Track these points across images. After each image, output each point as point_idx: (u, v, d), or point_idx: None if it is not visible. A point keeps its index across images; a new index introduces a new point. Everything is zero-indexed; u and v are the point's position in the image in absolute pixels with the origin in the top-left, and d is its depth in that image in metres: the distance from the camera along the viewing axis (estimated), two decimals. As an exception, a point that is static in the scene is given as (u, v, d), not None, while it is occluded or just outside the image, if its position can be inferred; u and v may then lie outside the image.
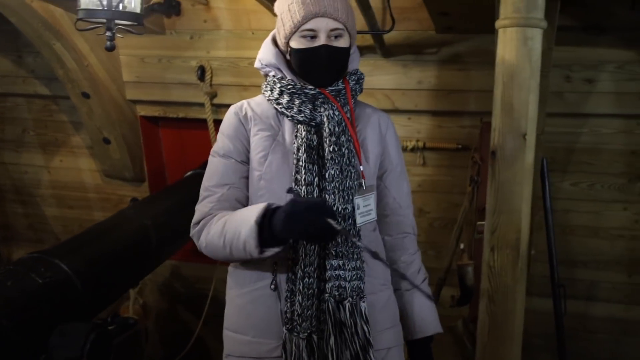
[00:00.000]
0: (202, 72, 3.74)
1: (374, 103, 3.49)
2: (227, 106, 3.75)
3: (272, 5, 2.84)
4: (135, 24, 2.72)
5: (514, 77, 2.24)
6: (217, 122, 3.81)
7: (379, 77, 3.52)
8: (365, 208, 1.86)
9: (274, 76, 1.90)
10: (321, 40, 1.80)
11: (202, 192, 1.91)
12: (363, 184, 1.87)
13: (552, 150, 3.51)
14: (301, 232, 1.65)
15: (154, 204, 3.64)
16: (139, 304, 4.07)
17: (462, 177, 3.51)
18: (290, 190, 1.77)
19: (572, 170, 3.61)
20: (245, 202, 1.89)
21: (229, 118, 1.94)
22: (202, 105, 3.81)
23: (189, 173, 4.00)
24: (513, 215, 2.29)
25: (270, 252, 1.70)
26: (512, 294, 2.34)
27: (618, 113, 3.38)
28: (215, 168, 1.90)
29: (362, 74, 2.01)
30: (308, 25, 1.79)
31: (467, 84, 3.43)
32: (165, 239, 3.37)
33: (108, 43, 2.59)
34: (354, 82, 1.94)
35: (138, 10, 2.68)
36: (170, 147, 4.32)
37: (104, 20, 2.61)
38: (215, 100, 3.82)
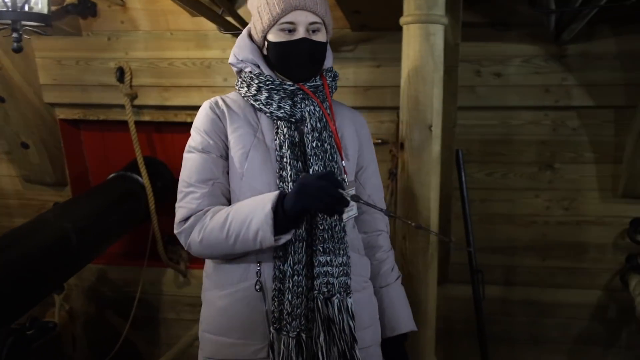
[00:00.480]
0: (121, 73, 3.71)
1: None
2: (148, 107, 3.82)
3: (189, 6, 2.87)
4: (43, 25, 2.68)
5: (418, 72, 2.34)
6: (139, 124, 3.82)
7: (299, 75, 3.56)
8: None
9: (250, 72, 1.85)
10: (300, 34, 1.77)
11: (184, 189, 1.81)
12: (345, 180, 1.85)
13: (467, 142, 3.65)
14: (315, 202, 1.60)
15: (75, 206, 3.58)
16: (65, 310, 4.00)
17: (383, 171, 3.57)
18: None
19: (486, 160, 3.76)
20: (229, 197, 1.84)
21: (204, 114, 1.85)
22: (122, 107, 3.77)
23: (112, 175, 3.98)
24: (422, 204, 2.40)
25: (284, 238, 1.67)
26: (425, 280, 2.44)
27: (526, 105, 3.54)
28: (195, 164, 1.81)
29: (336, 72, 1.98)
30: (287, 18, 1.76)
31: (383, 80, 3.53)
32: (87, 242, 3.31)
33: (15, 45, 2.55)
34: (330, 79, 1.92)
35: (45, 11, 2.64)
36: (93, 150, 4.26)
37: (10, 22, 2.56)
38: (136, 102, 3.79)
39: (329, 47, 1.93)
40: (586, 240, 3.80)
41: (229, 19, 2.99)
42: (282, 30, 1.77)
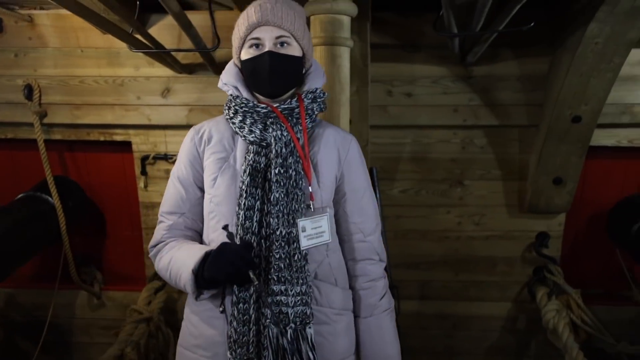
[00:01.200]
0: (29, 90, 3.60)
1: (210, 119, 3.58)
2: (59, 125, 3.72)
3: (98, 24, 2.83)
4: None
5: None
6: (50, 142, 3.72)
7: (213, 93, 3.56)
8: (314, 230, 1.81)
9: (231, 95, 1.90)
10: (266, 48, 1.80)
11: (159, 216, 1.95)
12: (312, 206, 1.82)
13: (381, 160, 3.74)
14: (223, 278, 1.71)
15: (-22, 227, 3.44)
16: (-30, 337, 3.83)
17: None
18: (225, 228, 1.73)
19: (400, 178, 3.85)
20: (196, 227, 1.93)
21: (185, 141, 1.95)
22: (31, 125, 3.67)
23: (21, 195, 3.84)
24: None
25: (207, 293, 1.76)
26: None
27: (436, 124, 3.65)
28: (170, 194, 1.93)
29: (322, 92, 1.95)
30: (253, 35, 1.80)
31: (297, 99, 3.56)
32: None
33: None
34: (309, 101, 1.89)
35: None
36: (1, 169, 4.10)
37: None
38: (46, 120, 3.68)
39: (317, 66, 1.96)
40: (496, 254, 3.94)
41: (140, 37, 2.96)
42: (251, 47, 1.82)
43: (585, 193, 3.89)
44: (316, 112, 1.92)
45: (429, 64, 3.50)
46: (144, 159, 3.81)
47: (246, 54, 1.83)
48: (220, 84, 1.94)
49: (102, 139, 3.79)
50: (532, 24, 2.66)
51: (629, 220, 3.61)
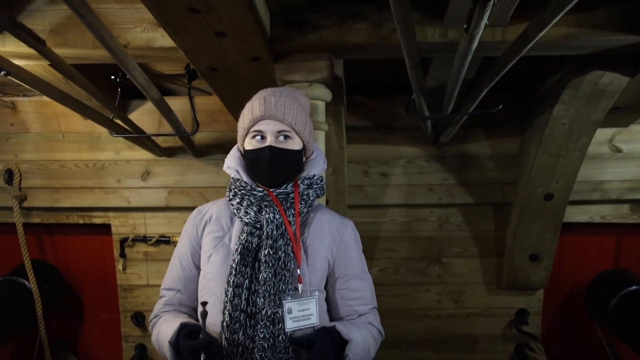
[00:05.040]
0: (9, 175, 3.63)
1: (189, 201, 3.62)
2: (38, 209, 3.74)
3: (79, 111, 2.91)
4: None
5: (302, 175, 2.44)
6: (28, 226, 3.71)
7: (193, 176, 3.62)
8: (300, 313, 1.80)
9: (232, 177, 1.98)
10: (267, 142, 1.86)
11: (160, 290, 2.03)
12: (298, 288, 1.83)
13: (359, 239, 3.75)
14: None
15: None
16: None
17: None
18: (203, 304, 1.72)
19: (378, 257, 3.88)
20: (190, 304, 1.99)
21: (188, 221, 2.02)
22: (10, 209, 3.68)
23: (-4, 280, 3.80)
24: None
25: None
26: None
27: (412, 203, 3.71)
28: (170, 270, 2.02)
29: (320, 179, 2.01)
30: (256, 127, 1.87)
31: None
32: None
33: None
34: (305, 186, 1.94)
35: None
36: (-23, 253, 4.08)
37: None
38: (25, 204, 3.70)
39: (318, 154, 2.02)
40: (476, 332, 3.93)
41: (120, 122, 3.03)
42: (254, 138, 1.89)
43: (562, 269, 3.94)
44: (312, 198, 1.97)
45: (404, 145, 3.60)
46: (123, 241, 3.81)
47: (249, 144, 1.91)
48: (224, 167, 2.01)
49: (81, 221, 3.80)
50: (500, 106, 2.76)
51: (606, 295, 3.64)
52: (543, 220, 3.46)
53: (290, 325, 1.78)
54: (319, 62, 2.46)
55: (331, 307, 1.99)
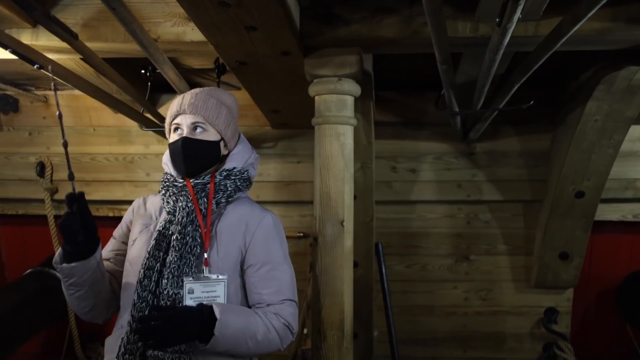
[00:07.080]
0: (41, 168, 3.69)
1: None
2: (69, 202, 3.76)
3: (111, 105, 2.95)
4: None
5: (330, 169, 2.44)
6: (58, 218, 3.75)
7: (221, 170, 3.63)
8: (204, 294, 1.87)
9: (164, 171, 2.09)
10: (184, 134, 1.97)
11: None
12: (204, 271, 1.90)
13: (386, 235, 3.74)
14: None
15: (-15, 304, 3.44)
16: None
17: (304, 264, 3.63)
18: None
19: (406, 253, 3.86)
20: (116, 274, 2.05)
21: (130, 207, 2.15)
22: (42, 201, 3.74)
23: (28, 271, 3.86)
24: (336, 298, 2.43)
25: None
26: (341, 373, 2.44)
27: (440, 199, 3.68)
28: (108, 242, 2.13)
29: (240, 171, 2.05)
30: (175, 121, 1.99)
31: (303, 175, 3.64)
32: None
33: None
34: (221, 177, 2.01)
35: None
36: (10, 245, 4.15)
37: None
38: (57, 196, 3.76)
39: (242, 148, 2.08)
40: (504, 330, 3.89)
41: (150, 116, 3.06)
42: (175, 131, 1.99)
43: (592, 268, 3.88)
44: (230, 189, 2.03)
45: (432, 141, 3.58)
46: (152, 234, 3.84)
47: (170, 138, 2.02)
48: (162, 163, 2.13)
49: (110, 214, 3.84)
50: (531, 102, 2.72)
51: (638, 296, 3.58)
52: (574, 218, 3.42)
53: (190, 303, 1.85)
54: (348, 56, 2.44)
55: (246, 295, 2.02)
